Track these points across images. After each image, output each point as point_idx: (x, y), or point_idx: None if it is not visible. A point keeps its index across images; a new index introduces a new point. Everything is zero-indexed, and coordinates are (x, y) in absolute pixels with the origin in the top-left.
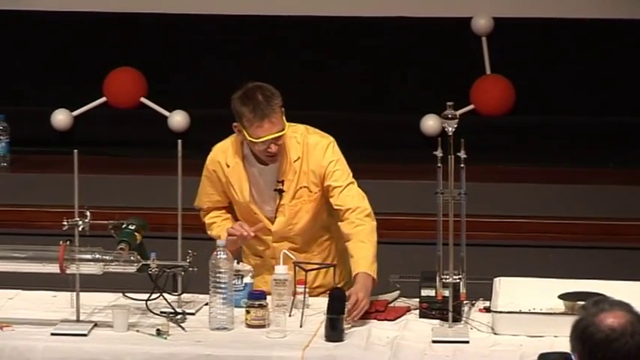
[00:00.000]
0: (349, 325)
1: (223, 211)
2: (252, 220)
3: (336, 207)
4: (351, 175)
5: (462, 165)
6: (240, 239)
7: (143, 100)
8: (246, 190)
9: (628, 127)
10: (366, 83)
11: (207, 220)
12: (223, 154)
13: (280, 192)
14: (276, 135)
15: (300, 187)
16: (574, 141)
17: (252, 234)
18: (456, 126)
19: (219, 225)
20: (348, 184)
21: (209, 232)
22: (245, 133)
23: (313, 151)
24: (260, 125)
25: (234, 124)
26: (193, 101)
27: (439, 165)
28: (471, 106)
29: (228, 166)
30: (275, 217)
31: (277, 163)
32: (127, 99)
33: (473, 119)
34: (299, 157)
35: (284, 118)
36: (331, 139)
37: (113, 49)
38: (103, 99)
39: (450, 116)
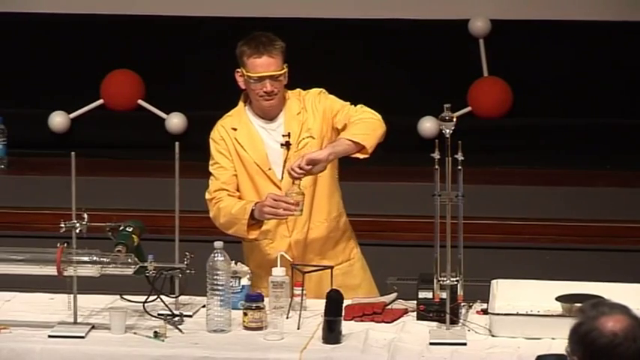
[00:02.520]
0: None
1: (235, 196)
2: (265, 184)
3: (342, 125)
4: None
5: (460, 167)
6: (276, 214)
7: (140, 102)
8: (260, 144)
9: (625, 129)
10: (364, 85)
11: (221, 204)
12: (228, 121)
13: (288, 145)
14: (272, 73)
15: (303, 138)
16: (571, 143)
17: (291, 212)
18: (453, 128)
19: (241, 202)
20: (345, 105)
21: (229, 213)
22: (244, 71)
23: (310, 99)
24: (259, 57)
25: (237, 70)
26: (191, 103)
27: (436, 167)
28: (468, 109)
29: (234, 130)
30: (282, 173)
31: (281, 119)
32: (125, 101)
33: (470, 121)
34: (300, 110)
35: (285, 65)
36: (322, 89)
37: (110, 52)
38: (101, 101)
39: (447, 118)
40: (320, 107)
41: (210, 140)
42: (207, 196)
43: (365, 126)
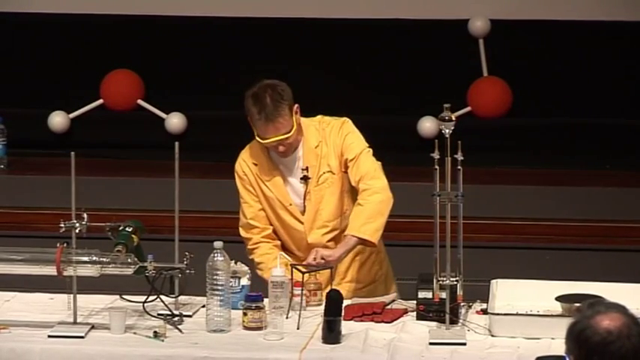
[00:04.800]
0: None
1: (271, 243)
2: (288, 218)
3: (353, 181)
4: (365, 144)
5: (459, 167)
6: None
7: (140, 102)
8: (279, 181)
9: (625, 129)
10: (364, 85)
11: (256, 257)
12: (249, 155)
13: (306, 179)
14: (281, 137)
15: (323, 173)
16: (571, 143)
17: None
18: (453, 128)
19: (270, 267)
20: (360, 153)
21: (259, 273)
22: (254, 129)
23: (330, 133)
24: (265, 129)
25: (249, 117)
26: (190, 103)
27: (436, 167)
28: (468, 108)
29: (255, 165)
30: (304, 206)
31: (300, 152)
32: (124, 101)
33: (470, 121)
34: (319, 143)
35: (294, 117)
36: (345, 118)
37: (110, 52)
38: (100, 101)
39: (447, 118)
40: (339, 144)
41: (235, 174)
42: (242, 233)
43: (371, 212)
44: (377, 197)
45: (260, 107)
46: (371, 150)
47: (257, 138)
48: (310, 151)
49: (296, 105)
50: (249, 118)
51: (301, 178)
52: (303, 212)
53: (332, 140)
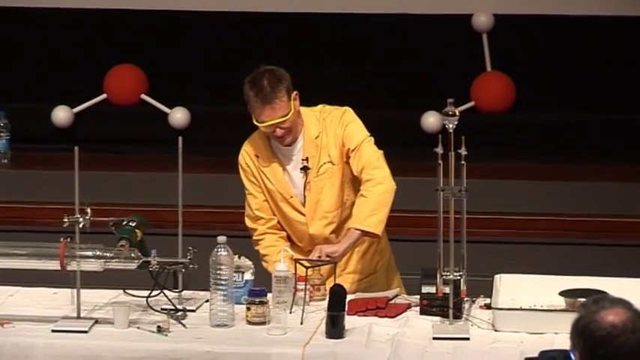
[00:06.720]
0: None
1: (276, 235)
2: (289, 210)
3: (355, 171)
4: (366, 133)
5: (463, 162)
6: None
7: (144, 96)
8: (280, 173)
9: (628, 124)
10: (367, 80)
11: (261, 249)
12: (251, 147)
13: (306, 169)
14: (277, 121)
15: (323, 163)
16: (574, 138)
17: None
18: (456, 123)
19: (275, 260)
20: (362, 142)
21: (264, 265)
22: (252, 114)
23: (331, 122)
24: (261, 111)
25: (247, 102)
26: (194, 98)
27: (440, 162)
28: (471, 103)
29: (257, 157)
30: (304, 197)
31: (300, 143)
32: (128, 96)
33: (473, 116)
34: (319, 133)
35: (292, 102)
36: (347, 107)
37: (114, 46)
38: (104, 96)
39: (450, 113)
40: (340, 134)
41: (239, 166)
42: (248, 223)
43: (374, 205)
44: (380, 188)
45: (257, 90)
46: (372, 139)
47: (254, 122)
48: (310, 142)
49: (295, 92)
50: (247, 103)
51: (301, 169)
52: (303, 204)
53: (332, 130)
